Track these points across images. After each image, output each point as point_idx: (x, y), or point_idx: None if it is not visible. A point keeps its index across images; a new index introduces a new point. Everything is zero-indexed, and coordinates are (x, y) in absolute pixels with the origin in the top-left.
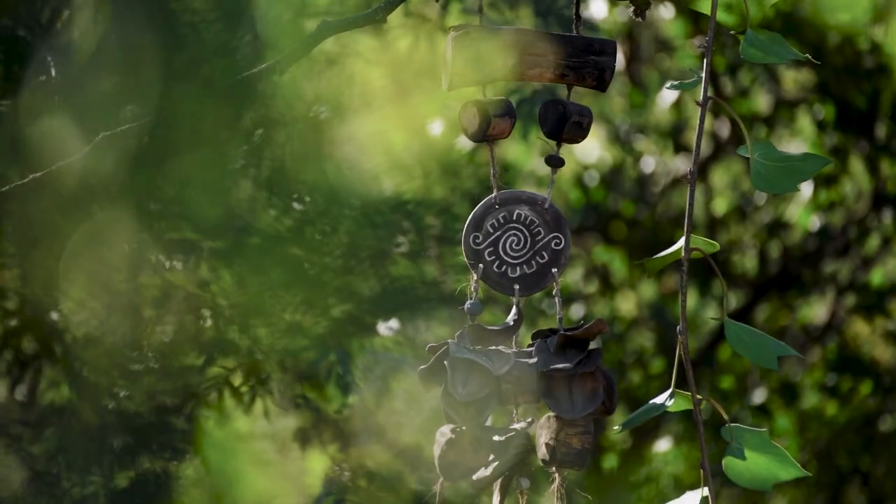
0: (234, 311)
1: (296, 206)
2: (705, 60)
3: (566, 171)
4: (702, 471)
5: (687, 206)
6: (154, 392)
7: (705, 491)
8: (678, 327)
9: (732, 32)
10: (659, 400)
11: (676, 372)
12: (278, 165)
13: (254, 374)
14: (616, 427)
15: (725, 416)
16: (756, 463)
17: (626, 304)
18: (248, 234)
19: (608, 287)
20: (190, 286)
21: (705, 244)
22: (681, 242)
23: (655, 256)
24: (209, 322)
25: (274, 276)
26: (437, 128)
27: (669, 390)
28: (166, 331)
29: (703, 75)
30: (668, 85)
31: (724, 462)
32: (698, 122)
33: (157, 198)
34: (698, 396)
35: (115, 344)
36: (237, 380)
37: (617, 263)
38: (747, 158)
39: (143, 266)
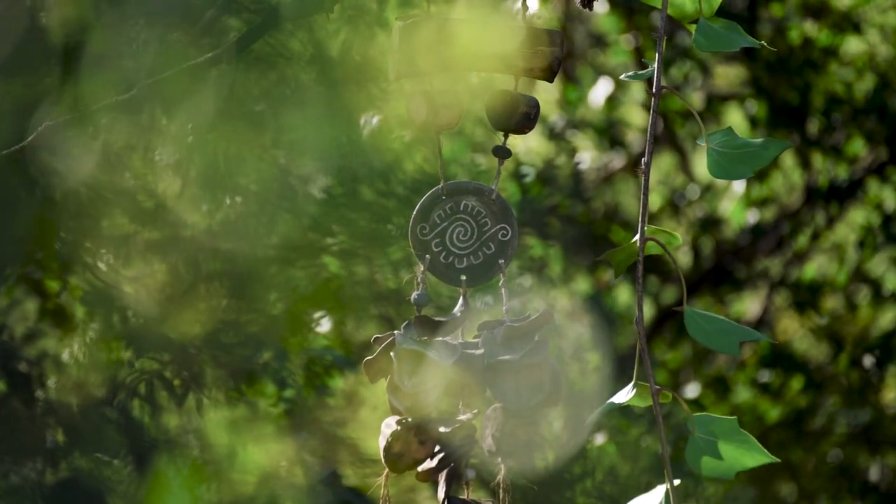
0: (168, 305)
1: (232, 200)
2: (658, 50)
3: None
4: (664, 466)
5: (641, 197)
6: (85, 385)
7: (667, 486)
8: (635, 318)
9: (686, 23)
10: (621, 394)
11: (638, 363)
12: (212, 161)
13: (187, 369)
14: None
15: (686, 408)
16: (722, 451)
17: (562, 300)
18: (183, 228)
19: (544, 282)
20: (123, 278)
21: (665, 236)
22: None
23: (615, 249)
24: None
25: (206, 269)
26: (374, 122)
27: (631, 383)
28: (96, 326)
29: (657, 65)
30: (623, 76)
31: (687, 452)
32: (651, 111)
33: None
34: (657, 386)
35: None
36: (169, 373)
37: (553, 259)
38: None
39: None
